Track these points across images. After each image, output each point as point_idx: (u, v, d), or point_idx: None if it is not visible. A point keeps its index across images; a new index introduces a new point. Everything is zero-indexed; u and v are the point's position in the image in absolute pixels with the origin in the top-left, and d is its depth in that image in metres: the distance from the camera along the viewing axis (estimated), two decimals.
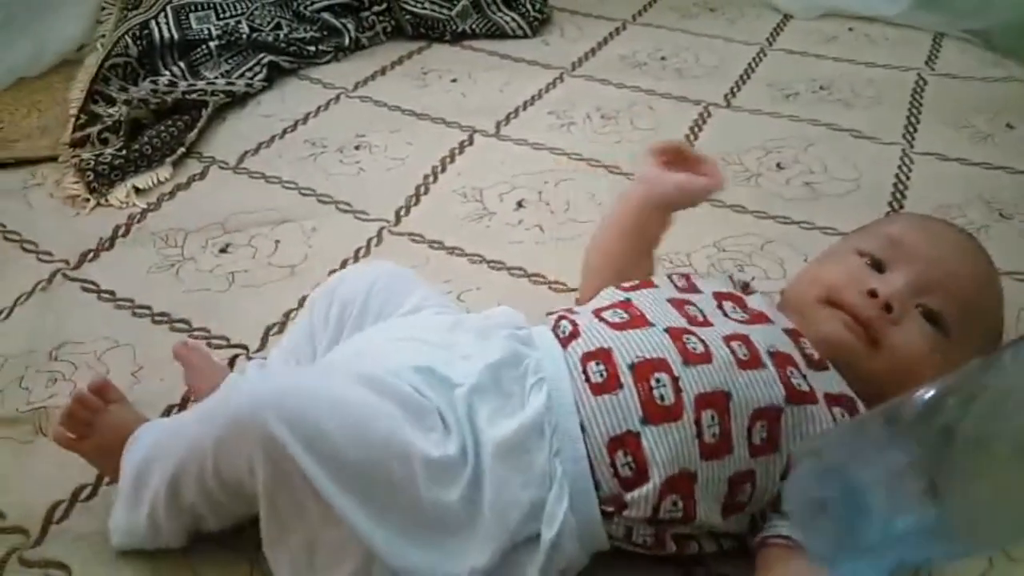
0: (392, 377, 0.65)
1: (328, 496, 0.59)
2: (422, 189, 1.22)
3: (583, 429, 0.65)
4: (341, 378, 0.65)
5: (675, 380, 0.65)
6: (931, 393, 0.54)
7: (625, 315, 0.72)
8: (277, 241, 1.10)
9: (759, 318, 0.74)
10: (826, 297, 0.74)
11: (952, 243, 0.79)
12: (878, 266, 0.76)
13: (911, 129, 1.39)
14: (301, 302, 0.97)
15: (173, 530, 0.69)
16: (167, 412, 0.84)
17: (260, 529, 0.63)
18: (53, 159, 1.27)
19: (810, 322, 0.74)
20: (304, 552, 0.62)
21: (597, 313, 0.73)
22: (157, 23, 1.50)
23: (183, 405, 0.85)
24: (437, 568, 0.61)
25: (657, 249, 0.86)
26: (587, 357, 0.68)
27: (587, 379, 0.67)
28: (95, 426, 0.73)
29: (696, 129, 1.39)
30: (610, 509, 0.64)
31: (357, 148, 1.32)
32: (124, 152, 1.24)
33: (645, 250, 0.86)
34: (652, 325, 0.70)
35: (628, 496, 0.64)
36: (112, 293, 1.01)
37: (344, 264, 1.06)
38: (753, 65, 1.63)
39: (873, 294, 0.72)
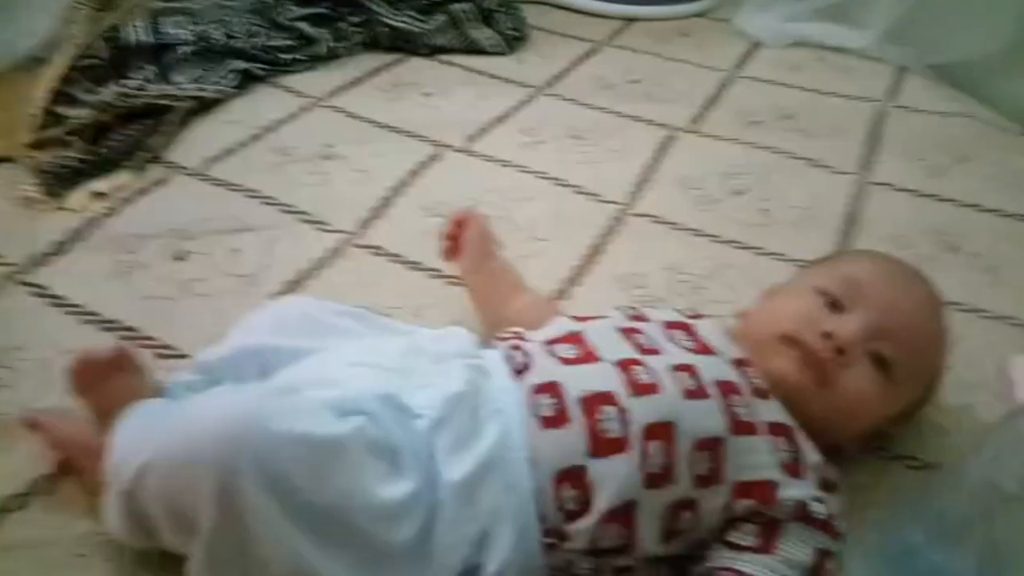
0: (355, 408, 0.65)
1: (280, 538, 0.59)
2: (386, 202, 1.23)
3: (531, 462, 0.66)
4: (307, 409, 0.64)
5: (622, 412, 0.67)
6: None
7: (576, 350, 0.73)
8: (235, 250, 1.10)
9: (705, 349, 0.75)
10: (783, 334, 0.76)
11: (909, 290, 0.81)
12: (835, 305, 0.77)
13: (868, 160, 1.42)
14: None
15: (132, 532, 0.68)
16: None
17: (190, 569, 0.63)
18: (10, 160, 1.25)
19: (764, 356, 0.76)
20: None
21: (549, 345, 0.74)
22: (130, 26, 1.50)
23: None
24: None
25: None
26: (537, 390, 0.69)
27: (537, 413, 0.68)
28: (99, 389, 0.74)
29: (661, 152, 1.41)
30: (552, 541, 0.66)
31: (324, 158, 1.32)
32: (86, 155, 1.23)
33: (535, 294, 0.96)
34: (601, 359, 0.71)
35: (569, 528, 0.65)
36: (63, 299, 1.00)
37: (301, 276, 1.06)
38: (720, 91, 1.65)
39: (828, 336, 0.74)
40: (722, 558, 0.68)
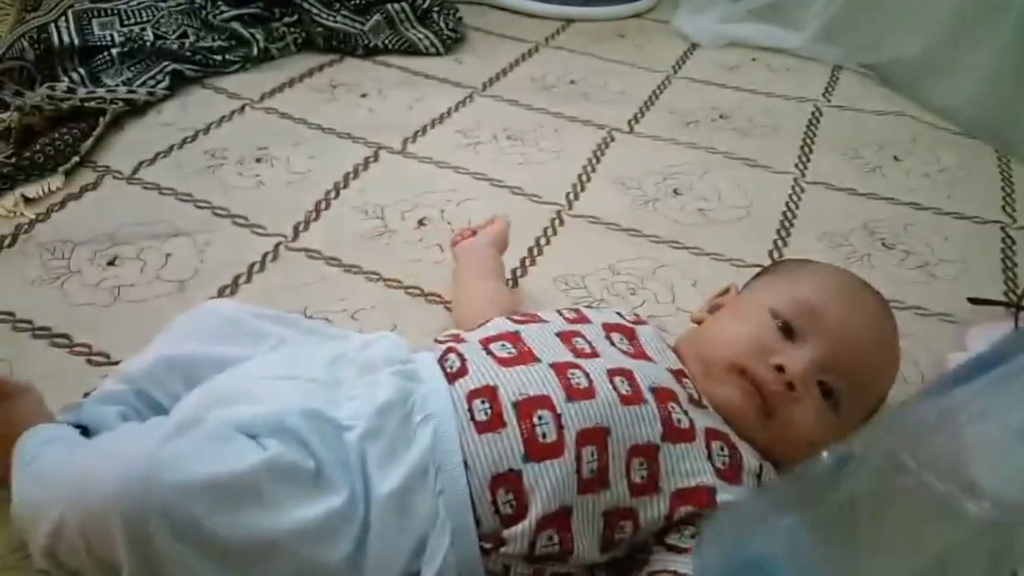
0: (275, 427, 0.64)
1: None
2: (323, 205, 1.21)
3: (466, 466, 0.66)
4: (211, 445, 0.62)
5: (557, 417, 0.67)
6: (830, 460, 0.55)
7: (513, 350, 0.73)
8: (168, 255, 1.08)
9: (643, 355, 0.75)
10: (733, 363, 0.75)
11: (863, 318, 0.79)
12: (788, 330, 0.76)
13: (804, 159, 1.44)
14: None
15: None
16: None
17: None
18: None
19: (710, 379, 0.75)
20: None
21: (485, 344, 0.74)
22: (57, 27, 1.46)
23: None
24: None
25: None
26: (473, 394, 0.69)
27: (472, 417, 0.67)
28: None
29: (599, 153, 1.41)
30: (488, 546, 0.65)
31: (258, 161, 1.31)
32: (14, 159, 1.20)
33: (508, 290, 1.01)
34: (538, 360, 0.71)
35: (506, 532, 0.65)
36: None
37: (236, 280, 1.05)
38: (658, 92, 1.67)
39: (780, 369, 0.73)
40: (660, 560, 0.68)
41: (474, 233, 1.06)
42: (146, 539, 0.57)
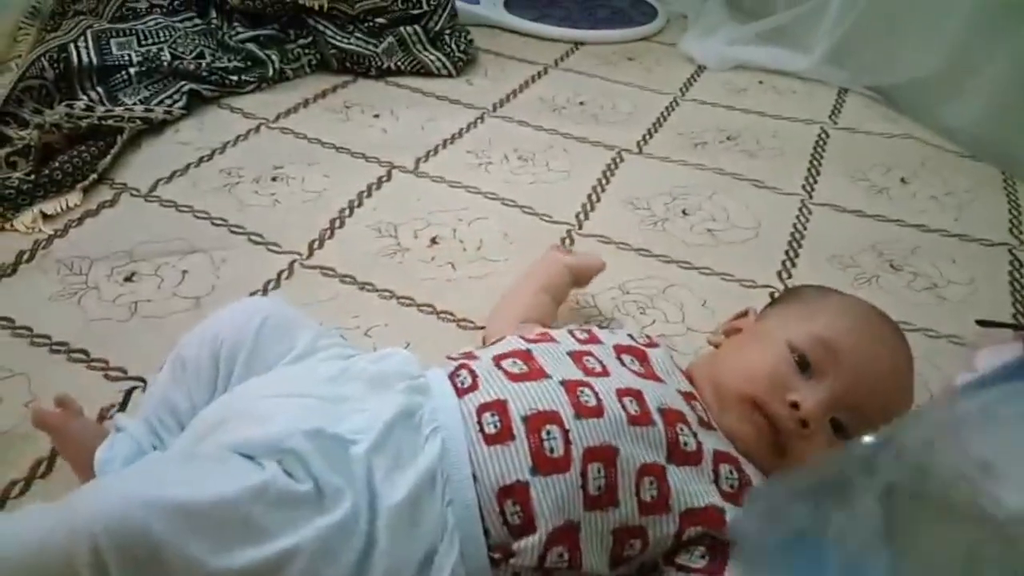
0: (276, 448, 0.63)
1: None
2: (337, 223, 1.23)
3: (475, 478, 0.66)
4: (212, 460, 0.63)
5: (566, 433, 0.67)
6: (869, 445, 0.55)
7: (524, 366, 0.74)
8: (184, 271, 1.10)
9: (653, 376, 0.76)
10: (750, 396, 0.75)
11: (882, 356, 0.78)
12: (805, 365, 0.75)
13: (811, 180, 1.45)
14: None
15: None
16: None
17: None
18: None
19: (724, 409, 0.76)
20: None
21: (497, 360, 0.75)
22: (76, 47, 1.48)
23: None
24: None
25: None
26: (483, 408, 0.70)
27: (481, 429, 0.68)
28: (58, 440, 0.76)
29: (608, 173, 1.43)
30: (498, 556, 0.66)
31: (274, 179, 1.32)
32: (33, 176, 1.22)
33: (552, 307, 0.99)
34: (549, 377, 0.72)
35: (516, 544, 0.66)
36: (11, 321, 0.99)
37: (252, 296, 1.06)
38: (666, 114, 1.68)
39: (795, 406, 0.73)
40: None
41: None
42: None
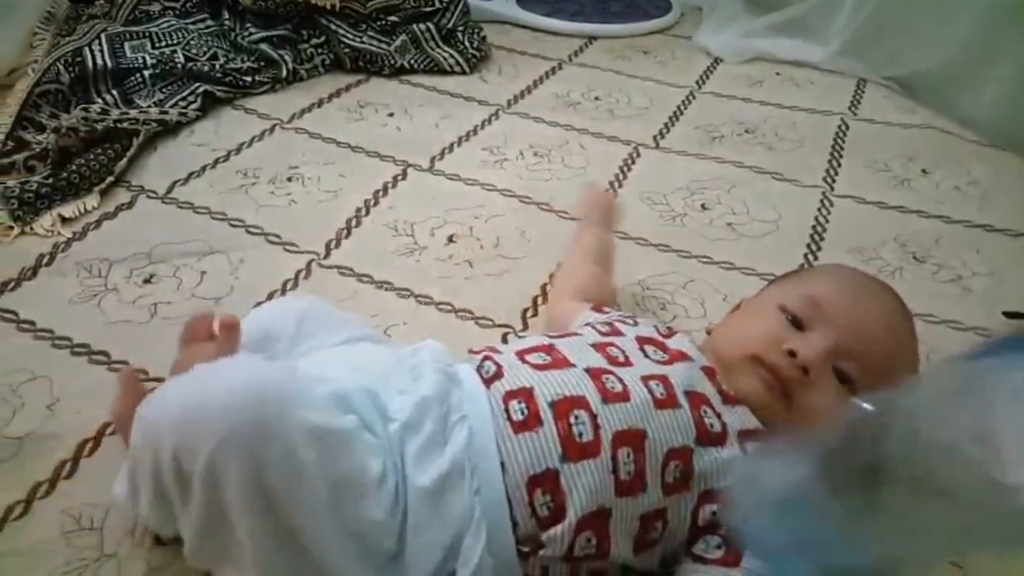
0: (347, 406, 0.67)
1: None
2: (353, 222, 1.23)
3: (503, 467, 0.66)
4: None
5: (594, 417, 0.67)
6: (866, 410, 0.55)
7: (547, 357, 0.74)
8: (203, 272, 1.10)
9: (679, 356, 0.76)
10: (750, 354, 0.76)
11: (870, 306, 0.80)
12: (798, 324, 0.78)
13: (831, 172, 1.44)
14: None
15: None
16: (81, 447, 0.84)
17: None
18: None
19: (731, 374, 0.76)
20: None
21: (520, 355, 0.75)
22: (91, 50, 1.49)
23: (97, 440, 0.84)
24: None
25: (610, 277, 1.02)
26: (509, 396, 0.70)
27: (508, 417, 0.68)
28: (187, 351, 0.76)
29: (625, 169, 1.42)
30: (526, 549, 0.65)
31: (289, 180, 1.32)
32: (51, 180, 1.22)
33: (602, 277, 1.01)
34: (573, 366, 0.72)
35: (544, 535, 0.65)
36: (32, 323, 0.99)
37: (271, 296, 1.06)
38: (682, 107, 1.67)
39: (792, 354, 0.74)
40: (688, 570, 0.68)
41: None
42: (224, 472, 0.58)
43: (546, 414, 0.67)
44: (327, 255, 1.15)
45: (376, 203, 1.28)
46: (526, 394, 0.69)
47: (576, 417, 0.67)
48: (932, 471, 0.51)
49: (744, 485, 0.63)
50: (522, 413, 0.68)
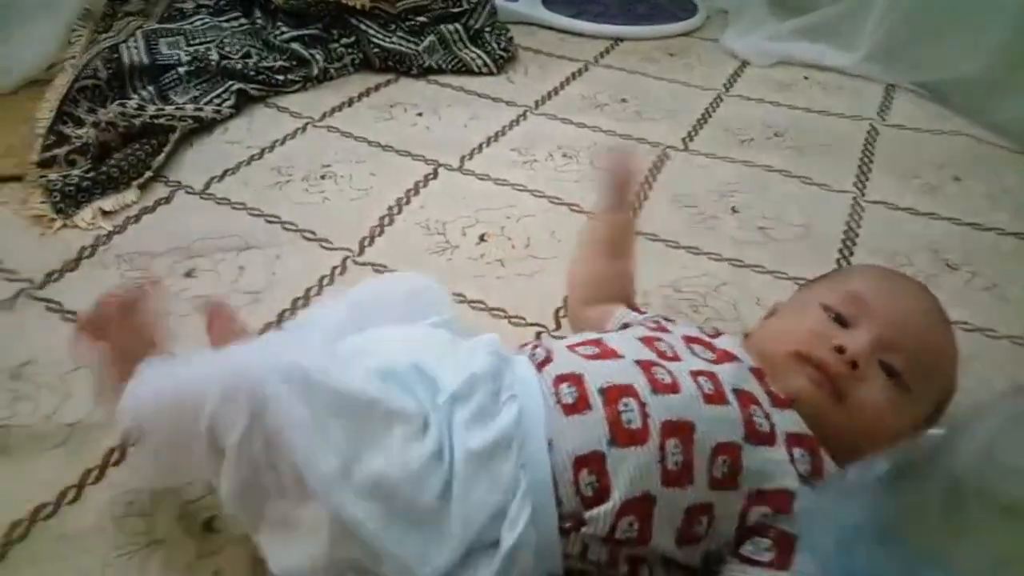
0: (390, 373, 0.69)
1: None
2: (386, 220, 1.24)
3: (550, 446, 0.67)
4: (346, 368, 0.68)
5: (643, 406, 0.68)
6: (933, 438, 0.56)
7: (597, 349, 0.75)
8: (241, 267, 1.11)
9: (726, 356, 0.76)
10: (796, 351, 0.77)
11: (912, 303, 0.82)
12: (842, 321, 0.79)
13: (862, 177, 1.44)
14: (264, 328, 0.99)
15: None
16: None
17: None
18: (18, 178, 1.26)
19: (778, 374, 0.76)
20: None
21: (570, 348, 0.76)
22: (127, 47, 1.51)
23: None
24: (408, 560, 0.63)
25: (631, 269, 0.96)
26: (559, 379, 0.71)
27: (558, 399, 0.69)
28: (112, 331, 0.77)
29: (654, 171, 1.42)
30: (568, 526, 0.66)
31: (322, 177, 1.34)
32: (92, 174, 1.24)
33: (617, 265, 0.96)
34: (622, 357, 0.73)
35: (587, 514, 0.66)
36: (75, 314, 1.01)
37: (308, 292, 1.07)
38: (710, 110, 1.68)
39: (840, 350, 0.75)
40: (736, 571, 0.69)
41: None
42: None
43: (595, 399, 0.68)
44: (361, 252, 1.17)
45: (408, 202, 1.29)
46: (576, 379, 0.70)
47: (625, 404, 0.68)
48: (1008, 495, 0.52)
49: (812, 519, 0.64)
50: (572, 396, 0.69)
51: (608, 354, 0.74)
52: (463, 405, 0.68)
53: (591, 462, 0.66)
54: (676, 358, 0.74)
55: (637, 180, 0.99)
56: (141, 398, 0.71)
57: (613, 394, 0.69)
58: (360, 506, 0.62)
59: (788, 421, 0.73)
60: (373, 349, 0.74)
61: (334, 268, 1.13)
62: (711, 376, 0.72)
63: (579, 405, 0.69)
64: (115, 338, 0.77)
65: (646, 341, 0.76)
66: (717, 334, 0.82)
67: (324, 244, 1.17)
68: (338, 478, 0.62)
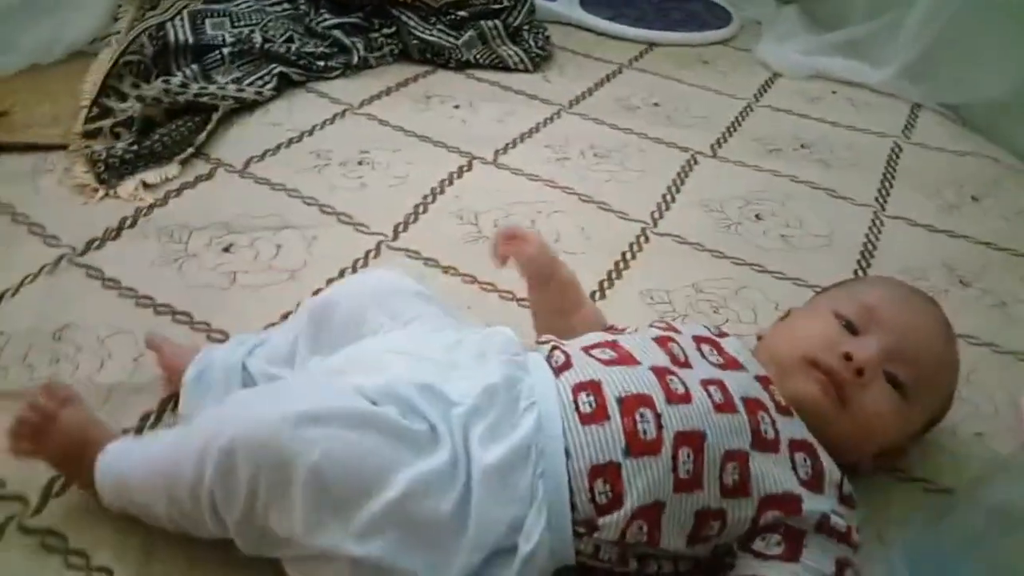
0: (390, 394, 0.70)
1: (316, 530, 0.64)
2: (420, 208, 1.27)
3: (568, 455, 0.69)
4: (328, 397, 0.69)
5: (658, 416, 0.70)
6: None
7: (613, 353, 0.77)
8: (279, 246, 1.14)
9: (733, 364, 0.79)
10: (804, 356, 0.80)
11: (921, 315, 0.85)
12: (852, 329, 0.81)
13: (884, 193, 1.47)
14: (299, 306, 1.02)
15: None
16: (165, 401, 0.88)
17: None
18: (63, 147, 1.30)
19: (786, 377, 0.79)
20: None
21: (586, 350, 0.78)
22: (173, 25, 1.55)
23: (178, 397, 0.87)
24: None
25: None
26: (578, 388, 0.72)
27: (577, 408, 0.71)
28: (50, 432, 0.74)
29: (683, 175, 1.45)
30: (582, 530, 0.69)
31: (360, 163, 1.37)
32: (135, 147, 1.28)
33: (572, 313, 0.92)
34: (639, 363, 0.75)
35: (601, 520, 0.68)
36: (117, 281, 1.05)
37: (342, 273, 1.11)
38: (740, 119, 1.71)
39: (848, 357, 0.78)
40: (749, 566, 0.71)
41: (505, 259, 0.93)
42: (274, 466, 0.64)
43: (613, 409, 0.70)
44: (395, 238, 1.20)
45: (442, 191, 1.32)
46: (594, 387, 0.72)
47: (642, 415, 0.70)
48: None
49: None
50: (590, 406, 0.71)
51: (625, 359, 0.76)
52: (479, 419, 0.70)
53: (607, 471, 0.69)
54: (687, 364, 0.77)
55: (537, 242, 0.91)
56: (119, 482, 0.73)
57: (630, 404, 0.71)
58: (373, 544, 0.64)
59: (791, 428, 0.75)
60: (371, 363, 0.75)
61: (368, 251, 1.16)
62: (720, 385, 0.75)
63: (597, 415, 0.71)
64: (49, 451, 0.75)
65: (660, 342, 0.79)
66: (723, 334, 0.85)
67: (360, 228, 1.21)
68: (343, 536, 0.64)
